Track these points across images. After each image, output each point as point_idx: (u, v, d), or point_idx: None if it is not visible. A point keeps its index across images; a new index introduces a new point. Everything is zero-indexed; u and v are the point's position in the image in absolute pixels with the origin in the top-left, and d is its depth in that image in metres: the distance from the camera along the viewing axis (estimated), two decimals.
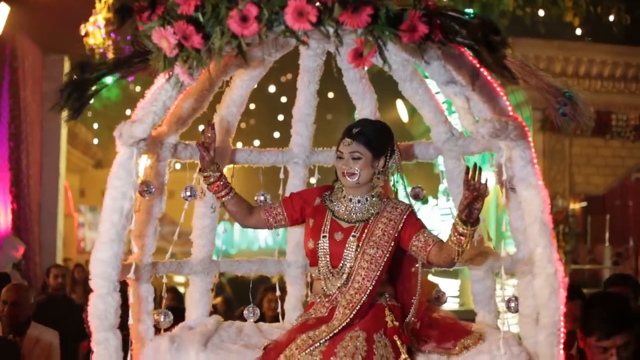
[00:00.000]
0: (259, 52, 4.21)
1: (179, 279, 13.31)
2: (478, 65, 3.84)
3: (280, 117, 20.45)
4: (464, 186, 3.65)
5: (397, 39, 3.40)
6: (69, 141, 17.57)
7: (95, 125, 24.57)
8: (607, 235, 14.92)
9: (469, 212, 3.70)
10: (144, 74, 3.86)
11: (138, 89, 18.19)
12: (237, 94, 4.61)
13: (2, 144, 13.07)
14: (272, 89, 20.80)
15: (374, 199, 4.15)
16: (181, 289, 10.62)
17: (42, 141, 14.90)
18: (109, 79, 3.83)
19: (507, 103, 3.99)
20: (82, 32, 12.13)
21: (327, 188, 4.33)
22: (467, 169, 3.66)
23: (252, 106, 19.15)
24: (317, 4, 3.32)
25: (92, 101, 3.89)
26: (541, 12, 14.38)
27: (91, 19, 12.07)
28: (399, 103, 19.08)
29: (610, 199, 16.58)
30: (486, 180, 3.65)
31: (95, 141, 25.41)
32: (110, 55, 12.23)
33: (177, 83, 3.68)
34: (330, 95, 18.51)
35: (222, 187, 4.20)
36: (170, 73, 3.65)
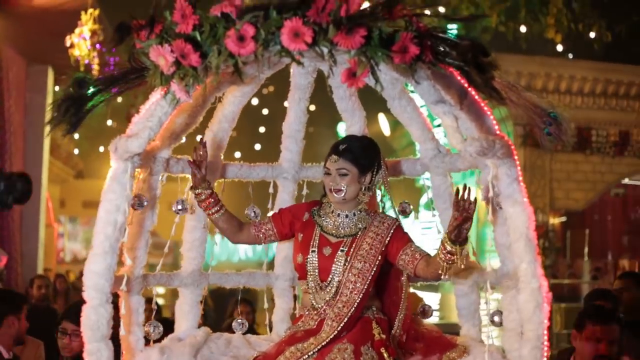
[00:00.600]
0: (252, 69, 4.26)
1: (158, 290, 13.32)
2: (466, 85, 3.94)
3: (262, 129, 20.50)
4: (454, 207, 3.72)
5: (389, 60, 3.48)
6: (51, 152, 17.55)
7: (77, 136, 24.52)
8: (586, 250, 15.04)
9: (458, 233, 3.76)
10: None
11: (120, 100, 18.16)
12: (229, 110, 4.68)
13: None
14: (254, 101, 20.83)
15: (361, 213, 4.23)
16: (160, 300, 10.63)
17: (25, 151, 14.89)
18: (106, 96, 3.90)
19: (494, 122, 4.07)
20: (67, 44, 12.17)
21: (315, 203, 4.39)
22: (457, 190, 3.73)
23: None
24: (313, 24, 3.41)
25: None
26: (523, 29, 14.54)
27: (77, 30, 12.11)
28: (381, 117, 19.18)
29: (589, 214, 16.73)
30: (475, 200, 3.73)
31: (76, 151, 25.35)
32: (95, 66, 12.29)
33: (174, 100, 3.75)
34: (312, 107, 18.58)
35: (213, 204, 4.25)
36: (167, 90, 3.72)
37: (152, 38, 3.59)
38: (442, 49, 3.60)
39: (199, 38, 3.50)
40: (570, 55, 15.89)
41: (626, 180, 16.80)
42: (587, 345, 5.03)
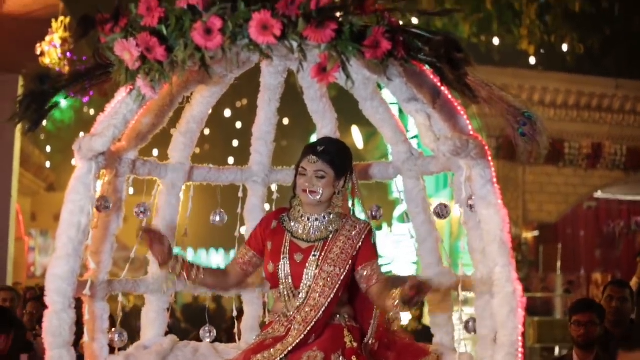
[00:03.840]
0: (220, 68, 4.18)
1: None
2: (439, 84, 3.87)
3: (235, 143, 20.40)
4: (409, 290, 3.66)
5: (360, 55, 3.41)
6: (22, 163, 17.31)
7: (48, 148, 24.31)
8: (559, 263, 15.04)
9: (410, 301, 3.71)
10: (101, 93, 3.84)
11: (92, 112, 18.03)
12: (198, 111, 4.59)
13: None
14: (227, 113, 20.74)
15: (331, 216, 4.13)
16: None
17: None
18: (68, 93, 3.80)
19: (468, 122, 4.00)
20: (38, 52, 12.03)
21: (282, 210, 4.28)
22: (418, 285, 3.68)
23: (207, 131, 19.08)
24: (282, 17, 3.33)
25: (47, 118, 3.86)
26: (496, 41, 14.57)
27: (47, 38, 11.98)
28: (354, 129, 19.15)
29: (562, 227, 16.73)
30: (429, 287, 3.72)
31: (48, 164, 25.12)
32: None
33: (139, 96, 3.66)
34: (286, 121, 18.51)
35: (190, 269, 4.10)
36: (132, 87, 3.62)
37: (117, 32, 3.50)
38: (414, 44, 3.52)
39: (164, 32, 3.42)
40: (542, 68, 15.92)
41: (599, 193, 16.84)
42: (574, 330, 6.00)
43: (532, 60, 15.23)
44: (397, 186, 4.73)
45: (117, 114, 3.82)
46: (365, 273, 4.05)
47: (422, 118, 3.80)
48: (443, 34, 3.56)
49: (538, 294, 14.72)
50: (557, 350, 12.53)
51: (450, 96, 3.99)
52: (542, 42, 14.17)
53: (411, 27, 3.56)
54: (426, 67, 3.81)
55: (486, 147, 3.92)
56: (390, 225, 18.98)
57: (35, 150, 23.35)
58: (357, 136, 19.41)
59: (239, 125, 20.18)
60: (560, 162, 15.89)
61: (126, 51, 3.46)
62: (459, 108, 4.02)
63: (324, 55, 3.37)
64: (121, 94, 3.87)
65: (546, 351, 13.12)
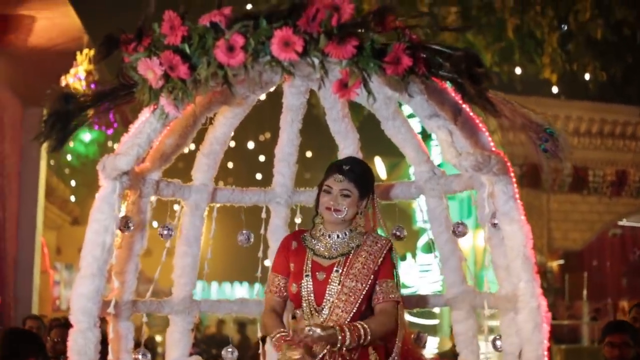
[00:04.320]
0: (242, 89, 4.22)
1: None
2: (460, 102, 3.89)
3: (259, 176, 20.48)
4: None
5: (381, 71, 3.43)
6: (47, 197, 17.43)
7: (73, 183, 24.45)
8: (585, 292, 14.94)
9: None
10: (125, 123, 3.87)
11: (116, 146, 18.13)
12: (220, 132, 4.62)
13: None
14: (250, 145, 20.85)
15: (353, 232, 4.14)
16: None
17: (19, 195, 14.78)
18: (92, 115, 3.84)
19: (489, 139, 4.01)
20: (63, 84, 12.14)
21: (301, 232, 4.31)
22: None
23: (230, 165, 19.19)
24: (303, 34, 3.36)
25: (72, 139, 3.89)
26: (518, 70, 14.57)
27: (72, 70, 12.10)
28: (377, 160, 19.18)
29: (588, 255, 16.64)
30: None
31: (73, 198, 25.25)
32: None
33: (162, 115, 3.68)
34: (309, 154, 18.57)
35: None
36: (156, 106, 3.66)
37: (140, 51, 3.53)
38: (435, 60, 3.54)
39: (187, 50, 3.45)
40: (563, 97, 15.91)
41: (624, 221, 16.75)
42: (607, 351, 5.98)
43: (555, 89, 15.21)
44: (420, 206, 4.73)
45: (140, 133, 3.84)
46: (377, 289, 4.07)
47: (443, 134, 3.81)
48: (463, 49, 3.58)
49: (565, 322, 14.61)
50: None
51: (471, 113, 4.01)
52: (564, 70, 14.15)
53: (431, 43, 3.58)
54: (447, 85, 3.83)
55: (508, 164, 3.92)
56: (414, 255, 18.94)
57: (60, 184, 23.48)
58: (380, 167, 19.44)
59: (262, 158, 20.28)
60: (584, 189, 15.85)
61: (149, 70, 3.49)
62: (480, 125, 4.03)
63: (346, 71, 3.40)
64: (145, 114, 3.91)
65: None
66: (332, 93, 4.30)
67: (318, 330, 3.77)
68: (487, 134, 4.02)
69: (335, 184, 4.08)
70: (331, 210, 4.07)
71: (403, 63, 3.43)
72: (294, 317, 4.11)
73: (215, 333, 18.86)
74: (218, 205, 4.80)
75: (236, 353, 4.82)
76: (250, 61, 3.42)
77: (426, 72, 3.54)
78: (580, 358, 12.35)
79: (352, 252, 4.09)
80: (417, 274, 17.24)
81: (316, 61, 3.43)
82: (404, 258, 19.17)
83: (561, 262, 16.22)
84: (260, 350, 4.91)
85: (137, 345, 4.43)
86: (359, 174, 4.10)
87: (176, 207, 4.73)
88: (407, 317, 4.70)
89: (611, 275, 16.84)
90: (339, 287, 4.01)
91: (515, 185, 3.97)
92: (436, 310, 17.17)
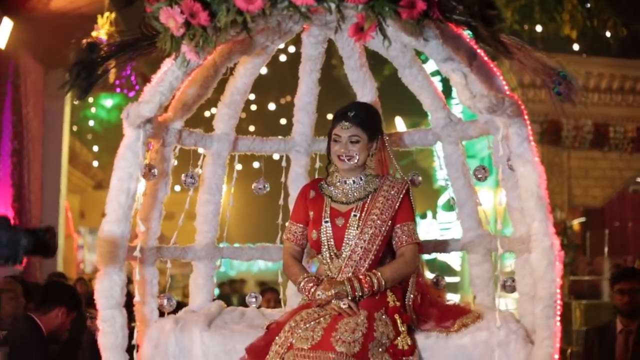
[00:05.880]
0: (262, 38, 4.30)
1: None
2: (475, 47, 3.96)
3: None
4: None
5: (396, 16, 3.49)
6: (70, 161, 17.60)
7: (96, 148, 24.64)
8: (606, 249, 14.95)
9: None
10: (145, 80, 3.96)
11: None
12: (241, 82, 4.70)
13: (5, 160, 13.11)
14: (271, 106, 20.93)
15: (368, 177, 4.23)
16: None
17: (43, 159, 14.94)
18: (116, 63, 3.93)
19: (504, 83, 4.07)
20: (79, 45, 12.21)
21: (318, 180, 4.42)
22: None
23: (252, 128, 19.28)
24: None
25: (96, 87, 3.98)
26: (539, 28, 14.54)
27: (93, 33, 12.17)
28: (398, 120, 19.22)
29: (609, 211, 16.65)
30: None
31: (95, 163, 25.45)
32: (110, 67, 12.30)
33: (184, 62, 3.77)
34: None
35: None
36: (177, 54, 3.75)
37: (161, 0, 3.61)
38: (449, 4, 3.60)
39: None
40: (584, 55, 15.84)
41: None
42: (617, 298, 6.17)
43: (576, 47, 15.16)
44: (437, 152, 4.81)
45: (163, 81, 3.94)
46: (398, 232, 4.15)
47: (458, 77, 3.88)
48: None
49: (585, 277, 14.64)
50: None
51: (486, 58, 4.07)
52: (585, 27, 14.11)
53: None
54: (462, 31, 3.91)
55: (522, 106, 3.99)
56: (435, 213, 19.04)
57: (83, 149, 23.69)
58: (400, 126, 19.48)
59: (283, 121, 20.33)
60: (605, 146, 15.81)
61: (171, 18, 3.58)
62: (495, 69, 4.09)
63: (361, 15, 3.47)
64: (166, 64, 4.01)
65: None
66: (349, 41, 4.41)
67: (323, 295, 3.98)
68: (501, 78, 4.08)
69: (343, 132, 4.16)
70: (343, 158, 4.16)
71: (417, 7, 3.48)
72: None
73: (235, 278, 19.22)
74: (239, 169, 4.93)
75: (260, 298, 4.94)
76: (269, 7, 3.50)
77: (440, 16, 3.60)
78: (600, 313, 12.37)
79: (370, 196, 4.18)
80: (438, 232, 17.31)
81: (332, 6, 3.51)
82: (424, 216, 19.30)
83: (582, 219, 16.23)
84: (281, 295, 5.04)
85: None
86: (364, 118, 4.17)
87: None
88: (428, 275, 4.80)
89: (632, 231, 16.84)
90: (358, 231, 4.10)
91: (530, 128, 4.03)
92: (457, 267, 17.40)
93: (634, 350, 5.99)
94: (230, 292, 16.76)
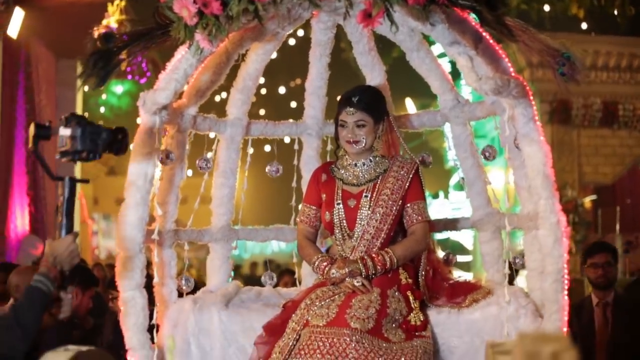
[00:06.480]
0: (273, 25, 4.40)
1: None
2: (481, 31, 4.06)
3: (290, 122, 20.52)
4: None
5: (403, 1, 3.60)
6: None
7: None
8: (617, 226, 14.97)
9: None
10: (157, 70, 4.07)
11: None
12: (253, 68, 4.81)
13: (19, 148, 13.24)
14: (281, 90, 20.96)
15: (377, 158, 4.33)
16: None
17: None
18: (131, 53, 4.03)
19: (509, 65, 4.17)
20: (95, 36, 12.31)
21: (329, 163, 4.51)
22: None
23: (262, 112, 19.34)
24: None
25: (111, 77, 4.08)
26: (546, 7, 14.55)
27: (104, 22, 12.28)
28: (408, 101, 19.28)
29: (619, 189, 16.68)
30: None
31: None
32: (124, 57, 12.40)
33: (197, 50, 3.88)
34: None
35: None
36: (191, 42, 3.86)
37: None
38: None
39: None
40: (593, 34, 15.84)
41: None
42: (590, 272, 6.15)
43: (584, 26, 15.17)
44: (446, 133, 4.91)
45: (177, 69, 4.05)
46: (409, 211, 4.25)
47: (464, 60, 3.99)
48: None
49: None
50: None
51: (491, 41, 4.17)
52: (592, 5, 14.11)
53: None
54: (467, 15, 4.00)
55: (527, 87, 4.08)
56: (446, 194, 19.13)
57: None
58: (410, 108, 19.54)
59: (293, 104, 20.39)
60: (614, 124, 15.86)
61: (184, 8, 3.69)
62: (500, 52, 4.18)
63: (369, 1, 3.57)
64: (180, 52, 4.12)
65: None
66: (357, 26, 4.50)
67: (337, 274, 4.10)
68: (507, 60, 4.18)
69: (348, 117, 4.25)
70: (351, 142, 4.26)
71: None
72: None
73: (249, 274, 19.31)
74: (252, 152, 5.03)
75: (275, 278, 5.06)
76: None
77: (446, 0, 3.70)
78: None
79: (380, 177, 4.28)
80: (450, 212, 17.38)
81: None
82: (436, 196, 19.40)
83: (594, 197, 16.27)
84: (297, 275, 5.14)
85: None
86: (369, 102, 4.26)
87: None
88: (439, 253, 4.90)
89: None
90: (369, 212, 4.21)
91: (535, 108, 4.13)
92: (469, 247, 17.48)
93: (613, 321, 6.04)
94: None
